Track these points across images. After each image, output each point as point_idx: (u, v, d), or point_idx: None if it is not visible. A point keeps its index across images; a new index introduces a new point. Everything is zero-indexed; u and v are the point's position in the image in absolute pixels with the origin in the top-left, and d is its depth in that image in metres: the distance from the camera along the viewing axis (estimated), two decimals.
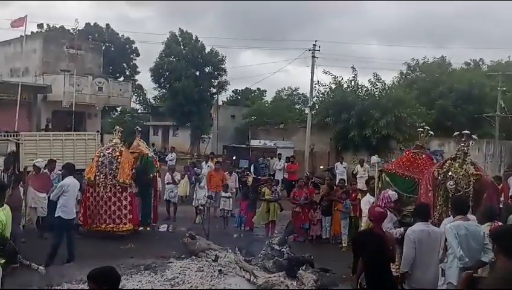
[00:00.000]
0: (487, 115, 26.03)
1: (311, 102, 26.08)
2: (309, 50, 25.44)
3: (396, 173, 8.49)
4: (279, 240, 9.36)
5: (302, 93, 44.88)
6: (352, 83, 24.24)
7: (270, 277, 7.61)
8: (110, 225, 10.97)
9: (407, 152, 8.84)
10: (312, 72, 25.42)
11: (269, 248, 8.93)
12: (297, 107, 43.93)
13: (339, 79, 24.35)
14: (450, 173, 7.58)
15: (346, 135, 22.44)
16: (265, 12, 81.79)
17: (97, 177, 11.01)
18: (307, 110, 29.17)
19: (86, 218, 11.06)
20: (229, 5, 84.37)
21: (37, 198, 10.76)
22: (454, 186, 7.44)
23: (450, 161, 7.93)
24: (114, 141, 11.60)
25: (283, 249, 8.72)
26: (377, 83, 23.84)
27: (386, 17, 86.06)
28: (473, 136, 8.54)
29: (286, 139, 26.97)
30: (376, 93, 23.72)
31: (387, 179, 8.47)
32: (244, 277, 7.94)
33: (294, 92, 49.62)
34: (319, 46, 25.61)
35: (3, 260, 5.81)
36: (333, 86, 24.57)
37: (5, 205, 5.84)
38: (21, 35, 23.14)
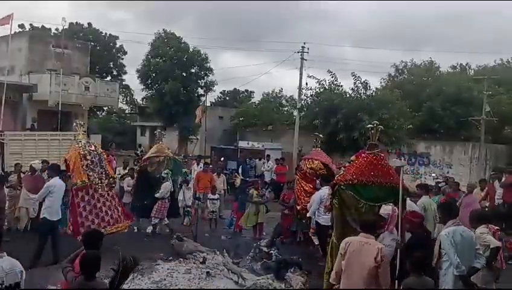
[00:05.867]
0: (473, 118, 26.33)
1: (300, 104, 26.14)
2: (297, 52, 25.53)
3: (359, 183, 6.89)
4: (267, 242, 9.34)
5: (291, 96, 44.97)
6: (336, 87, 24.36)
7: (258, 279, 7.59)
8: (114, 226, 10.07)
9: (363, 155, 7.21)
10: (301, 74, 25.53)
11: (257, 250, 8.92)
12: (285, 109, 44.00)
13: (323, 82, 24.46)
14: None
15: (334, 138, 22.53)
16: (243, 13, 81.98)
17: (91, 179, 9.70)
18: (295, 113, 29.27)
19: (78, 227, 9.39)
20: (204, 6, 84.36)
21: (29, 199, 10.62)
22: None
23: None
24: (79, 137, 10.25)
25: (271, 251, 8.72)
26: (359, 85, 23.98)
27: (365, 21, 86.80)
28: None
29: (274, 140, 26.98)
30: (361, 95, 23.88)
31: (350, 192, 6.86)
32: (232, 279, 7.91)
33: (280, 94, 49.70)
34: (308, 48, 25.73)
35: None
36: (319, 90, 24.66)
37: None
38: (6, 34, 22.80)
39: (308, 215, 9.74)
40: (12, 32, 22.96)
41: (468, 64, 38.50)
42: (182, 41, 32.66)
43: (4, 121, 20.02)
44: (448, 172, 24.37)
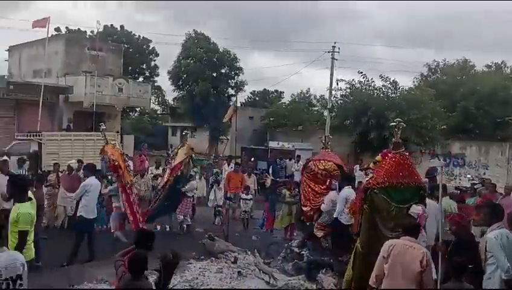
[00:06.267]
0: (510, 118, 25.51)
1: (330, 104, 25.96)
2: (328, 52, 25.36)
3: (390, 185, 6.66)
4: (298, 242, 9.31)
5: (321, 95, 44.69)
6: (367, 86, 24.12)
7: (289, 280, 7.58)
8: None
9: (389, 155, 6.92)
10: (331, 74, 25.36)
11: (288, 250, 8.91)
12: (315, 109, 43.76)
13: (354, 82, 24.28)
14: None
15: (365, 138, 22.28)
16: (273, 14, 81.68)
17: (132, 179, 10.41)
18: (325, 112, 29.11)
19: (137, 221, 9.95)
20: (234, 6, 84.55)
21: (66, 198, 10.94)
22: None
23: None
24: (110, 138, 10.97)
25: (303, 252, 8.68)
26: (389, 85, 23.66)
27: (396, 19, 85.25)
28: None
29: (304, 141, 26.87)
30: (392, 94, 23.57)
31: (382, 196, 6.61)
32: (263, 279, 7.92)
33: (308, 94, 49.42)
34: (339, 48, 25.54)
35: (33, 256, 5.91)
36: (349, 90, 24.48)
37: (33, 199, 5.98)
38: (43, 38, 23.56)
39: (334, 215, 9.68)
40: (49, 36, 23.72)
41: (504, 62, 37.33)
42: (212, 41, 32.95)
43: (42, 122, 20.72)
44: (484, 173, 23.72)
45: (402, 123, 7.09)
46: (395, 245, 5.30)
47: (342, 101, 25.70)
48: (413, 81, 34.68)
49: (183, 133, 14.31)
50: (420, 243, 5.91)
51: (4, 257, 4.14)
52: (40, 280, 7.48)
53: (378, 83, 24.34)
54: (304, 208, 10.49)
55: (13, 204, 6.02)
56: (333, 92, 25.43)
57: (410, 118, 21.15)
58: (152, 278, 4.97)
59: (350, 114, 23.85)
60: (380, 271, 5.34)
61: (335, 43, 25.76)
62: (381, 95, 23.77)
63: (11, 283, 4.10)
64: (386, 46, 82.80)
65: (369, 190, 6.72)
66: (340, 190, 9.71)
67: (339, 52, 25.73)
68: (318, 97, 44.86)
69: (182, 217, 11.89)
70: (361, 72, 23.96)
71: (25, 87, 23.12)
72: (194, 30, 33.50)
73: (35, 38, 27.24)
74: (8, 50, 31.50)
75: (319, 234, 9.77)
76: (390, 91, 23.70)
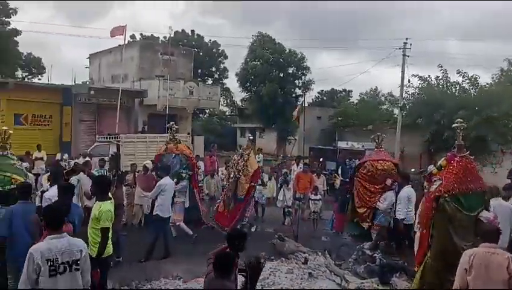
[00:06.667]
0: None
1: (401, 102, 25.11)
2: (399, 48, 24.55)
3: (460, 192, 6.31)
4: (370, 245, 9.11)
5: (389, 92, 43.30)
6: (442, 82, 23.03)
7: (362, 283, 7.43)
8: None
9: (456, 159, 6.53)
10: (403, 71, 24.52)
11: (360, 252, 8.74)
12: (384, 107, 42.52)
13: (427, 78, 23.26)
14: None
15: (440, 137, 21.31)
16: (337, 13, 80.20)
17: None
18: (395, 111, 28.20)
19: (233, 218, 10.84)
20: (299, 6, 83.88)
21: (143, 197, 11.49)
22: None
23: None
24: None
25: (375, 255, 8.48)
26: (465, 81, 22.38)
27: (470, 13, 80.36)
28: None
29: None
30: (468, 91, 22.34)
31: (454, 204, 6.24)
32: (334, 281, 7.83)
33: (378, 92, 48.11)
34: (410, 44, 24.63)
35: (111, 251, 6.27)
36: (423, 86, 23.50)
37: (112, 199, 6.35)
38: (119, 44, 24.86)
39: (399, 217, 9.45)
40: (125, 43, 24.99)
41: None
42: (277, 42, 33.08)
43: (119, 124, 21.89)
44: None
45: (463, 124, 6.80)
46: (476, 254, 4.93)
47: (413, 99, 24.74)
48: (492, 77, 32.64)
49: (249, 137, 14.43)
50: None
51: (63, 242, 4.36)
52: (121, 274, 7.94)
53: (454, 78, 23.22)
54: (360, 210, 10.40)
55: (95, 202, 6.43)
56: (404, 90, 24.53)
57: (489, 115, 19.95)
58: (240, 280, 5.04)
59: (422, 112, 22.89)
60: (463, 283, 4.97)
61: (407, 39, 24.84)
62: (458, 91, 22.61)
63: (67, 267, 4.31)
64: (459, 41, 78.64)
65: (441, 199, 6.39)
66: (400, 189, 9.82)
67: (410, 48, 24.82)
68: (387, 95, 43.63)
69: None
70: (441, 66, 22.94)
71: (104, 92, 24.54)
72: (259, 32, 33.88)
73: (112, 45, 28.89)
74: (88, 57, 33.63)
75: (374, 233, 9.85)
76: (466, 87, 22.47)
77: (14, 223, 6.02)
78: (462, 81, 22.57)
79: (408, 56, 24.75)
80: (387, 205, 9.88)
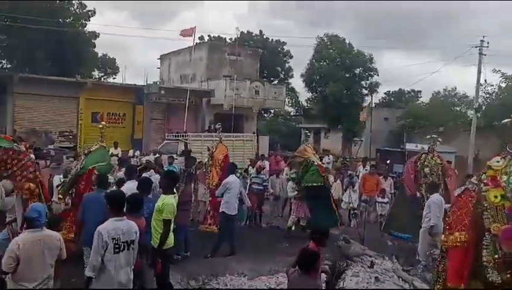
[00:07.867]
0: None
1: (477, 103, 23.80)
2: (475, 47, 23.28)
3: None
4: (440, 251, 8.70)
5: (464, 93, 41.18)
6: None
7: None
8: None
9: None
10: (479, 71, 23.23)
11: (430, 259, 8.40)
12: (457, 108, 40.51)
13: (510, 75, 21.84)
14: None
15: None
16: (406, 12, 77.20)
17: None
18: (469, 112, 26.82)
19: None
20: (366, 6, 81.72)
21: (206, 194, 11.75)
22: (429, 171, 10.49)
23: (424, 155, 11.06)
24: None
25: None
26: None
27: None
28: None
29: (446, 143, 24.99)
30: None
31: None
32: (402, 286, 7.57)
33: (453, 93, 45.88)
34: (488, 42, 23.26)
35: (172, 243, 6.46)
36: (503, 85, 22.13)
37: (175, 194, 6.61)
38: (189, 46, 25.65)
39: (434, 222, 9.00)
40: (195, 44, 25.73)
41: None
42: (347, 42, 32.58)
43: (187, 123, 22.57)
44: None
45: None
46: None
47: (490, 100, 23.37)
48: None
49: (306, 133, 14.25)
50: None
51: (124, 224, 5.01)
52: (188, 268, 8.16)
53: None
54: None
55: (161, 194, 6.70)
56: (482, 87, 23.20)
57: None
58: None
59: (500, 113, 21.55)
60: None
61: (484, 37, 23.44)
62: None
63: (126, 245, 4.96)
64: None
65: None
66: None
67: (488, 46, 23.42)
68: (460, 95, 41.57)
69: (296, 219, 11.66)
70: None
71: (173, 92, 25.42)
72: (325, 34, 33.54)
73: (181, 46, 29.83)
74: (159, 58, 34.94)
75: None
76: None
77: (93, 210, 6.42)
78: None
79: (485, 55, 23.42)
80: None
